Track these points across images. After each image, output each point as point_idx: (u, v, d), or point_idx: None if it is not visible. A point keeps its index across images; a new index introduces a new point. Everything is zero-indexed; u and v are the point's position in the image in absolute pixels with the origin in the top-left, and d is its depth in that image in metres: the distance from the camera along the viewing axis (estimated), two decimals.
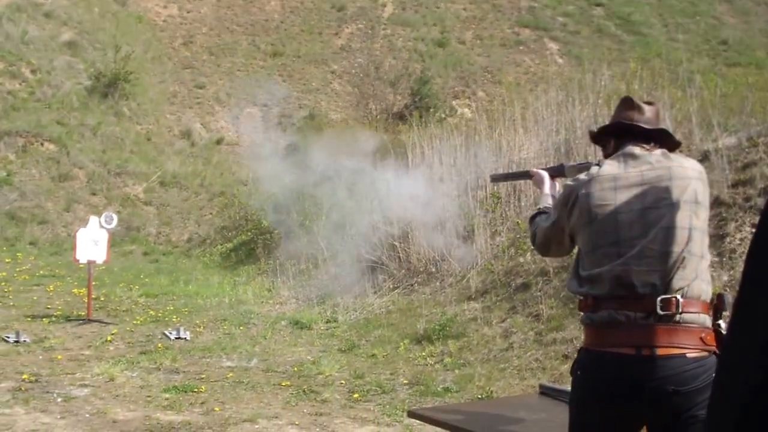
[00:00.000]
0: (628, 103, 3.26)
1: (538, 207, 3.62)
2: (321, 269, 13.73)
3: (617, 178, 3.01)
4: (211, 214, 21.29)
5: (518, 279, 10.01)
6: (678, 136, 10.07)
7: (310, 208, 14.93)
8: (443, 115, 20.77)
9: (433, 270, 11.64)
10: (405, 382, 8.31)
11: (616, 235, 2.94)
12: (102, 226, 11.37)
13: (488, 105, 17.71)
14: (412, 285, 11.65)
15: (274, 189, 17.29)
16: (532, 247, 3.60)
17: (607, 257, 2.94)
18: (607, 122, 3.45)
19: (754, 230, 6.45)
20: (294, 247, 14.98)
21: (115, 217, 11.81)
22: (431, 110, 22.31)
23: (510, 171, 11.13)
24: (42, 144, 21.93)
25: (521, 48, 30.90)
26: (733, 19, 33.11)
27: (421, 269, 11.85)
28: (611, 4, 33.58)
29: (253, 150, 24.94)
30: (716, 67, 23.80)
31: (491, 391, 7.68)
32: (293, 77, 29.34)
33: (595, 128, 3.50)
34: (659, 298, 2.83)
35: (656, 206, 2.92)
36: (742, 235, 8.05)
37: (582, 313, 3.08)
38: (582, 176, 3.17)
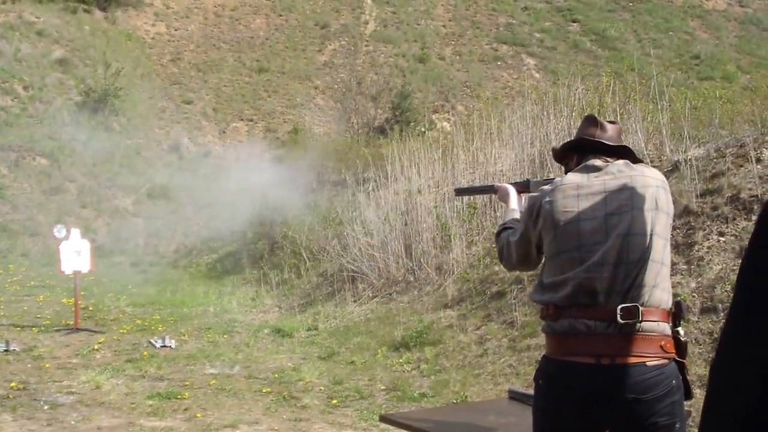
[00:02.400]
0: (590, 121, 3.28)
1: (503, 222, 3.56)
2: (303, 279, 13.93)
3: (580, 187, 3.03)
4: (197, 225, 21.45)
5: (493, 287, 10.13)
6: (649, 147, 10.20)
7: (293, 219, 15.15)
8: (423, 129, 20.93)
9: (411, 279, 11.83)
10: (382, 388, 8.44)
11: (579, 241, 2.95)
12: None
13: (467, 119, 17.87)
14: (390, 294, 11.81)
15: (259, 201, 17.52)
16: (500, 262, 3.58)
17: (569, 263, 2.96)
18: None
19: (721, 238, 6.63)
20: (277, 257, 15.19)
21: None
22: (412, 124, 22.59)
23: (484, 183, 11.33)
24: (34, 158, 22.18)
25: (499, 63, 31.29)
26: (705, 34, 33.57)
27: (400, 278, 12.05)
28: (587, 21, 33.99)
29: (239, 163, 25.18)
30: (689, 81, 24.17)
31: (466, 396, 7.79)
32: (278, 92, 29.59)
33: (557, 145, 3.50)
34: (619, 307, 2.84)
35: (618, 213, 2.92)
36: (709, 243, 8.09)
37: (544, 322, 3.08)
38: (546, 187, 3.18)
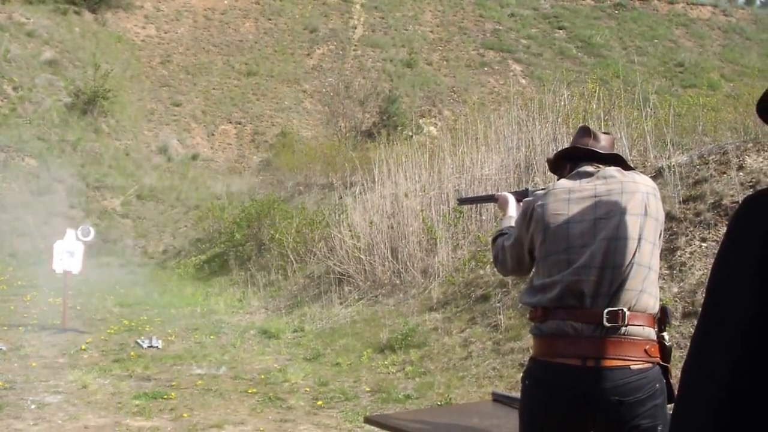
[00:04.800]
0: (584, 131, 3.30)
1: (500, 228, 3.59)
2: (290, 280, 13.97)
3: (571, 191, 3.07)
4: (186, 227, 21.49)
5: (478, 290, 10.21)
6: (633, 154, 10.27)
7: (280, 221, 15.19)
8: (410, 133, 21.03)
9: (397, 282, 11.90)
10: (368, 389, 8.49)
11: (567, 244, 2.98)
12: (79, 239, 11.57)
13: (453, 124, 17.98)
14: (376, 296, 11.88)
15: (247, 203, 17.59)
16: (495, 268, 3.62)
17: (557, 265, 2.99)
18: (565, 145, 3.50)
19: (703, 244, 6.68)
20: (265, 259, 15.23)
21: (92, 230, 12.00)
22: (399, 128, 22.69)
23: (474, 190, 11.43)
24: (23, 159, 22.19)
25: (486, 69, 31.54)
26: (689, 42, 33.96)
27: (386, 281, 12.11)
28: (573, 28, 34.23)
29: (227, 165, 25.29)
30: (673, 88, 24.37)
31: (450, 399, 7.83)
32: (266, 96, 29.70)
33: (551, 156, 3.50)
34: (606, 311, 2.87)
35: (607, 217, 2.95)
36: (692, 249, 8.17)
37: (532, 324, 3.11)
38: (538, 192, 3.28)
